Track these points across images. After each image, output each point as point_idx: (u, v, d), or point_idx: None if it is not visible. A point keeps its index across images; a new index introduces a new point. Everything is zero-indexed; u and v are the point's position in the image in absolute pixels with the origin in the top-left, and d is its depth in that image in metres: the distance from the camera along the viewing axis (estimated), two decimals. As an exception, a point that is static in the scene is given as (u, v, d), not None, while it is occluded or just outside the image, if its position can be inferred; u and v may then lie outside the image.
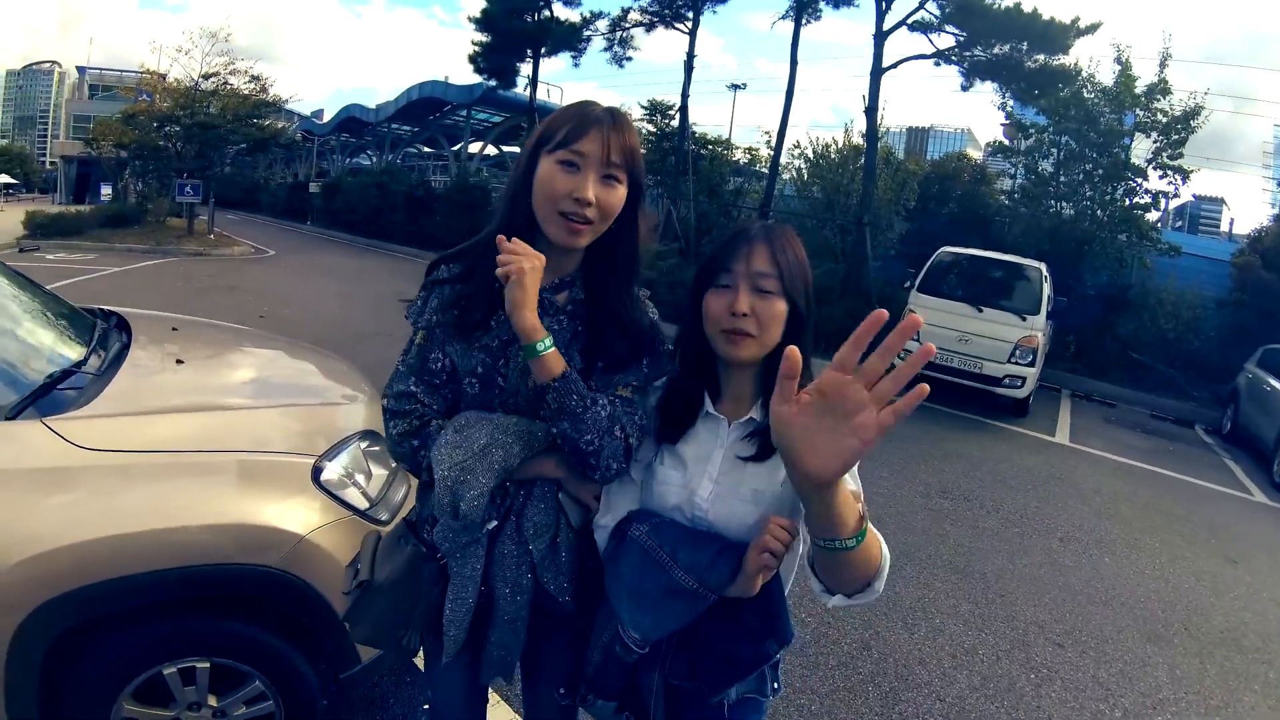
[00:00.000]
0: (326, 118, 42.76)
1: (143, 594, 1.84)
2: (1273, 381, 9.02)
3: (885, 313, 0.89)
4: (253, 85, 22.49)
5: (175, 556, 1.84)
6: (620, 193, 1.34)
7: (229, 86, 21.93)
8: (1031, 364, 8.65)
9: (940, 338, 8.98)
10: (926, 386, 0.90)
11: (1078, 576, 4.58)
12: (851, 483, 1.28)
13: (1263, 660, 3.90)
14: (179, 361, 2.56)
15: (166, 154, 22.13)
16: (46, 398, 2.05)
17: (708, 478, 1.37)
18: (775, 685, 1.44)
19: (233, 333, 3.71)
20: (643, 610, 1.33)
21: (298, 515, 1.99)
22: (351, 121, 36.88)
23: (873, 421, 0.91)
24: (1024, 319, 8.76)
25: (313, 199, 31.92)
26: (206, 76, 21.30)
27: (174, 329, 3.14)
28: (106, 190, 27.81)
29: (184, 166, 21.68)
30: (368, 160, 37.83)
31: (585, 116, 1.32)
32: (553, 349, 1.30)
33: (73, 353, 2.41)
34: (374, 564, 1.49)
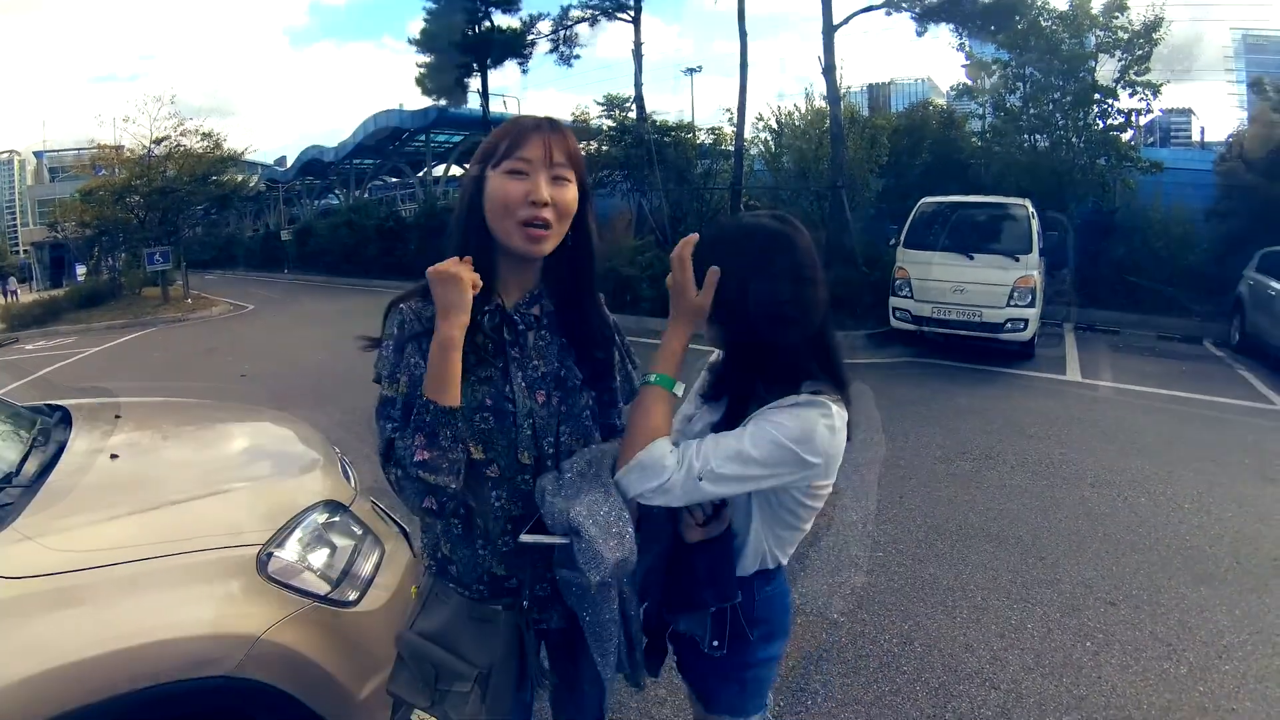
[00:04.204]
0: (290, 163, 42.36)
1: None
2: (1276, 285, 8.81)
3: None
4: (206, 143, 22.22)
5: (116, 684, 1.61)
6: (572, 191, 1.33)
7: (182, 148, 21.63)
8: (1031, 304, 8.43)
9: (935, 290, 8.80)
10: None
11: (1116, 523, 4.36)
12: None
13: (1323, 583, 3.68)
14: (113, 456, 2.31)
15: (131, 225, 21.88)
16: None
17: None
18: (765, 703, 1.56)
19: (180, 410, 3.46)
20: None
21: (248, 614, 1.76)
22: (313, 164, 36.52)
23: None
24: (1017, 260, 8.52)
25: (286, 246, 31.76)
26: (157, 141, 21.04)
27: (116, 416, 2.90)
28: (81, 270, 27.67)
29: (150, 235, 21.45)
30: (336, 200, 37.45)
31: (523, 125, 1.32)
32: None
33: (4, 464, 2.18)
34: (466, 653, 1.37)
